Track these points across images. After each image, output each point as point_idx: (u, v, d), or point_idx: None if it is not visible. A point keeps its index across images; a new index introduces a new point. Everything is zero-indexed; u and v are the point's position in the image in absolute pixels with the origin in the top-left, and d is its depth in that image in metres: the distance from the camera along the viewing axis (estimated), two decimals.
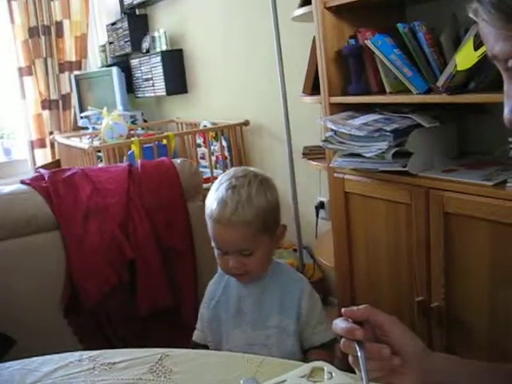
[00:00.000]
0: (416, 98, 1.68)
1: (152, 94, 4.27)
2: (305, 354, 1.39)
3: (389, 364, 0.77)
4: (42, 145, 4.78)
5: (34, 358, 1.07)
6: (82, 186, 1.96)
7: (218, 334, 1.44)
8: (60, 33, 4.68)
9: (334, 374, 0.83)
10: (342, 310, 0.80)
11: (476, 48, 1.45)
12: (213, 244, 1.38)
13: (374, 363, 0.76)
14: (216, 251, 1.39)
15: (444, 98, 1.57)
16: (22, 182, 1.98)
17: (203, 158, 3.60)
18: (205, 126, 3.55)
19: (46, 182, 1.96)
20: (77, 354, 1.07)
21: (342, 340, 0.78)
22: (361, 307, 0.79)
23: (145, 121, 4.50)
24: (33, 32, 4.56)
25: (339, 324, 0.79)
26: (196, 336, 1.53)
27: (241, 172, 1.39)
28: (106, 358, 1.04)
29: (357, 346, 0.75)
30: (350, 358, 0.78)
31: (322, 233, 2.79)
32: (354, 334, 0.76)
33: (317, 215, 2.85)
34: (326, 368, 0.85)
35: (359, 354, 0.75)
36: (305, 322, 1.39)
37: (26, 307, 1.82)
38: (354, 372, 0.81)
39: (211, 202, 1.35)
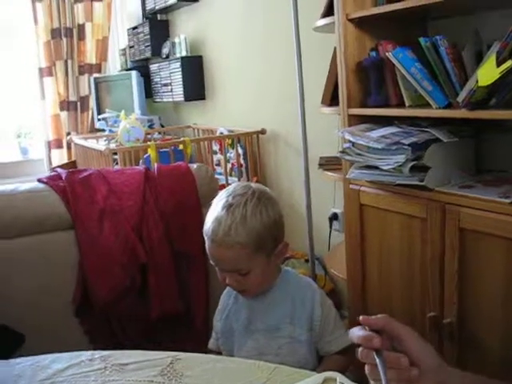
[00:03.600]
0: (436, 113, 1.68)
1: (170, 100, 4.30)
2: (321, 359, 1.39)
3: (407, 374, 0.76)
4: (59, 145, 4.82)
5: (46, 355, 1.08)
6: (98, 187, 1.97)
7: (230, 345, 1.45)
8: (82, 35, 4.73)
9: None
10: (360, 317, 0.80)
11: (498, 64, 1.44)
12: (211, 261, 1.39)
13: (391, 372, 0.75)
14: (216, 267, 1.39)
15: (464, 114, 1.56)
16: (39, 181, 2.00)
17: (218, 164, 3.61)
18: (221, 133, 3.56)
19: (62, 182, 1.97)
20: (88, 353, 1.07)
21: (360, 349, 0.77)
22: (378, 316, 0.79)
23: (162, 125, 4.52)
24: (55, 33, 4.61)
25: (356, 332, 0.78)
26: (211, 344, 1.54)
27: (240, 189, 1.38)
28: (117, 359, 1.05)
29: (375, 354, 0.75)
30: (367, 367, 0.78)
31: (335, 244, 2.78)
32: (372, 342, 0.75)
33: (330, 226, 2.84)
34: (338, 378, 0.84)
35: (378, 362, 0.74)
36: (320, 330, 1.38)
37: (39, 305, 1.83)
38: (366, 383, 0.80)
39: (208, 220, 1.36)
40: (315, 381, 0.86)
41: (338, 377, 0.84)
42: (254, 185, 1.42)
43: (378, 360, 0.75)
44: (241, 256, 1.31)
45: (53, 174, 2.08)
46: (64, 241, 1.91)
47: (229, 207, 1.32)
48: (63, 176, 2.00)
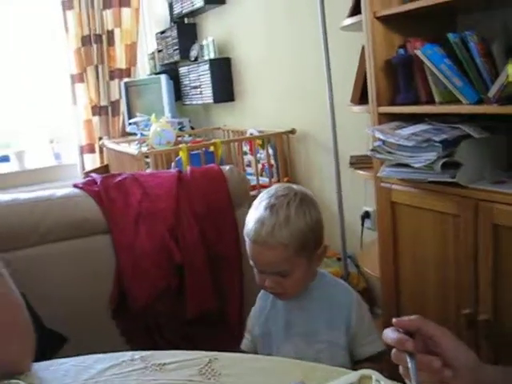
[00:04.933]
0: (466, 109, 1.67)
1: (199, 102, 4.34)
2: (354, 366, 1.38)
3: (440, 376, 0.76)
4: (91, 150, 4.89)
5: (89, 356, 1.11)
6: (132, 191, 2.01)
7: (268, 348, 1.44)
8: (111, 41, 4.80)
9: (382, 383, 0.84)
10: (393, 320, 0.80)
11: None
12: (251, 262, 1.37)
13: (424, 375, 0.76)
14: (254, 269, 1.38)
15: (495, 109, 1.55)
16: (75, 186, 2.05)
17: (249, 165, 3.63)
18: (251, 134, 3.58)
19: (97, 187, 2.01)
20: (129, 354, 1.10)
21: (393, 350, 0.78)
22: (412, 317, 0.79)
23: (192, 128, 4.56)
24: (85, 40, 4.69)
25: (390, 334, 0.79)
26: (244, 345, 1.53)
27: (282, 190, 1.37)
28: (156, 359, 1.07)
29: (408, 357, 0.75)
30: (401, 369, 0.78)
31: (367, 242, 2.78)
32: (405, 345, 0.76)
33: (362, 224, 2.85)
34: (374, 376, 0.85)
35: (410, 365, 0.75)
36: (354, 333, 1.38)
37: (77, 307, 1.87)
38: (402, 382, 0.81)
39: (249, 221, 1.34)
40: (351, 378, 0.87)
41: (374, 375, 0.85)
42: (295, 186, 1.41)
43: (410, 363, 0.76)
44: (283, 257, 1.30)
45: (88, 179, 2.12)
46: (100, 245, 1.95)
47: (272, 207, 1.31)
48: (98, 181, 2.05)
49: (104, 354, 1.12)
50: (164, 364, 1.04)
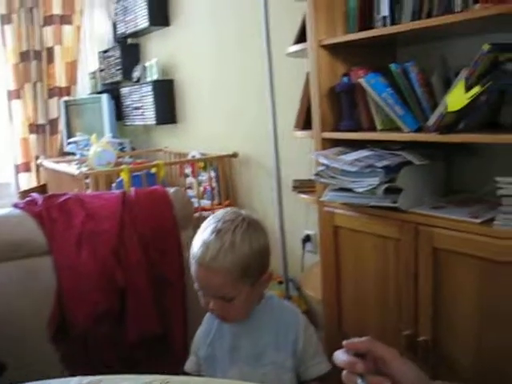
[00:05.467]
0: (407, 137, 1.73)
1: (141, 123, 4.31)
2: None
3: None
4: (27, 169, 4.77)
5: (36, 382, 1.07)
6: (75, 212, 1.97)
7: (212, 371, 1.43)
8: (51, 58, 4.72)
9: None
10: (344, 342, 0.82)
11: (467, 90, 1.51)
12: (195, 285, 1.37)
13: None
14: (199, 291, 1.38)
15: (434, 137, 1.61)
16: (15, 206, 1.99)
17: (190, 187, 3.62)
18: (193, 157, 3.58)
19: (39, 207, 1.96)
20: (76, 379, 1.07)
21: (344, 372, 0.79)
22: (362, 339, 0.81)
23: (133, 149, 4.52)
24: (24, 56, 4.60)
25: (340, 356, 0.80)
26: (188, 366, 1.52)
27: (229, 215, 1.37)
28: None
29: (359, 378, 0.77)
30: None
31: (308, 265, 2.81)
32: (356, 367, 0.77)
33: (303, 248, 2.88)
34: None
35: None
36: (301, 355, 1.39)
37: (15, 331, 1.81)
38: None
39: (196, 243, 1.35)
40: None
41: None
42: (243, 212, 1.42)
43: None
44: (226, 282, 1.30)
45: (28, 199, 2.06)
46: (41, 266, 1.90)
47: (218, 232, 1.32)
48: (39, 201, 2.00)
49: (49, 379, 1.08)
50: None
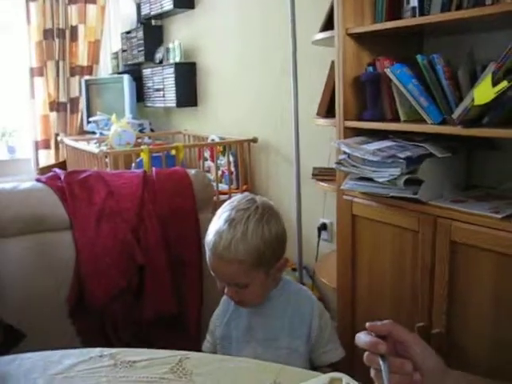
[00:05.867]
0: (431, 128, 1.72)
1: (161, 105, 4.32)
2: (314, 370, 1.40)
3: (410, 379, 0.80)
4: (47, 146, 4.81)
5: (55, 351, 1.10)
6: (96, 189, 1.99)
7: (228, 351, 1.46)
8: (74, 37, 4.74)
9: None
10: (367, 324, 0.83)
11: (494, 84, 1.50)
12: (211, 271, 1.39)
13: (395, 377, 0.79)
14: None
15: (458, 130, 1.61)
16: (38, 180, 2.01)
17: (209, 171, 3.64)
18: (213, 140, 3.59)
19: (61, 182, 1.99)
20: (97, 350, 1.09)
21: (366, 353, 0.81)
22: (384, 322, 0.83)
23: (152, 130, 4.54)
24: (47, 34, 4.62)
25: (363, 338, 0.82)
26: (205, 347, 1.55)
27: (244, 203, 1.38)
28: (125, 356, 1.07)
29: (380, 359, 0.78)
30: (372, 371, 0.81)
31: (323, 254, 2.82)
32: (378, 347, 0.79)
33: (318, 236, 2.89)
34: (344, 379, 0.88)
35: (382, 367, 0.78)
36: (315, 342, 1.40)
37: (33, 303, 1.84)
38: None
39: (210, 231, 1.36)
40: (321, 381, 0.90)
41: (344, 378, 0.88)
42: (258, 199, 1.42)
43: (382, 365, 0.78)
44: (239, 271, 1.32)
45: (51, 173, 2.09)
46: (62, 241, 1.92)
47: (231, 222, 1.32)
48: (62, 176, 2.02)
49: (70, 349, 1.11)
50: (134, 361, 1.05)
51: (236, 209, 1.35)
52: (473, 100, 1.54)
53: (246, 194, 1.47)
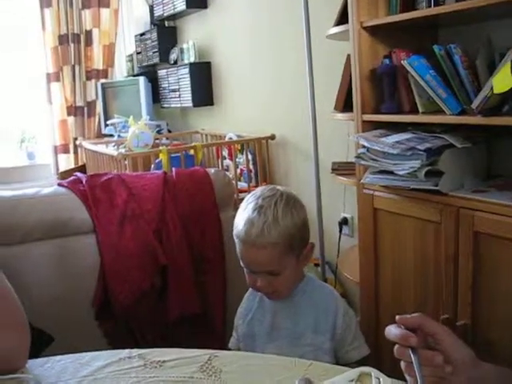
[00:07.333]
0: (450, 119, 1.71)
1: (178, 105, 4.34)
2: None
3: (441, 371, 0.80)
4: (66, 150, 4.86)
5: (84, 353, 1.11)
6: (118, 191, 2.01)
7: (251, 349, 1.46)
8: (89, 41, 4.78)
9: (381, 380, 0.86)
10: (396, 317, 0.83)
11: None
12: (241, 263, 1.40)
13: (426, 369, 0.79)
14: (245, 269, 1.41)
15: (478, 120, 1.60)
16: (60, 185, 2.03)
17: (227, 170, 3.65)
18: (230, 139, 3.60)
19: (83, 186, 2.01)
20: (126, 351, 1.10)
21: (396, 346, 0.81)
22: (414, 315, 0.83)
23: (169, 131, 4.56)
24: (62, 39, 4.66)
25: (393, 330, 0.82)
26: (232, 343, 1.56)
27: (268, 192, 1.40)
28: (155, 356, 1.08)
29: (411, 352, 0.78)
30: (402, 364, 0.81)
31: (345, 249, 2.82)
32: (409, 340, 0.79)
33: (340, 231, 2.89)
34: (373, 374, 0.88)
35: (413, 359, 0.78)
36: (340, 339, 1.41)
37: (60, 307, 1.86)
38: (398, 379, 0.84)
39: (239, 222, 1.37)
40: (351, 376, 0.90)
41: (374, 372, 0.88)
42: (280, 187, 1.45)
43: (413, 358, 0.79)
44: (274, 256, 1.33)
45: (72, 178, 2.11)
46: (85, 244, 1.94)
47: (260, 209, 1.34)
48: (83, 180, 2.04)
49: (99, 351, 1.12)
50: (164, 361, 1.06)
51: (262, 197, 1.38)
52: (492, 89, 1.52)
53: (266, 185, 1.48)
